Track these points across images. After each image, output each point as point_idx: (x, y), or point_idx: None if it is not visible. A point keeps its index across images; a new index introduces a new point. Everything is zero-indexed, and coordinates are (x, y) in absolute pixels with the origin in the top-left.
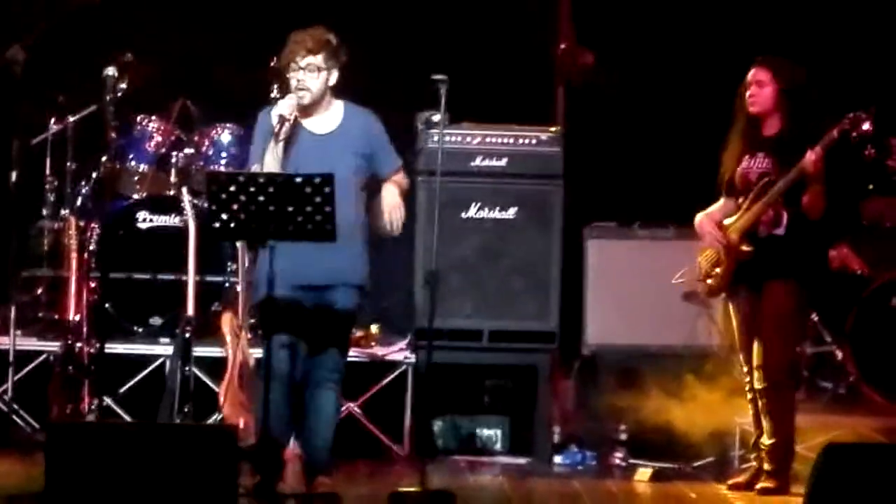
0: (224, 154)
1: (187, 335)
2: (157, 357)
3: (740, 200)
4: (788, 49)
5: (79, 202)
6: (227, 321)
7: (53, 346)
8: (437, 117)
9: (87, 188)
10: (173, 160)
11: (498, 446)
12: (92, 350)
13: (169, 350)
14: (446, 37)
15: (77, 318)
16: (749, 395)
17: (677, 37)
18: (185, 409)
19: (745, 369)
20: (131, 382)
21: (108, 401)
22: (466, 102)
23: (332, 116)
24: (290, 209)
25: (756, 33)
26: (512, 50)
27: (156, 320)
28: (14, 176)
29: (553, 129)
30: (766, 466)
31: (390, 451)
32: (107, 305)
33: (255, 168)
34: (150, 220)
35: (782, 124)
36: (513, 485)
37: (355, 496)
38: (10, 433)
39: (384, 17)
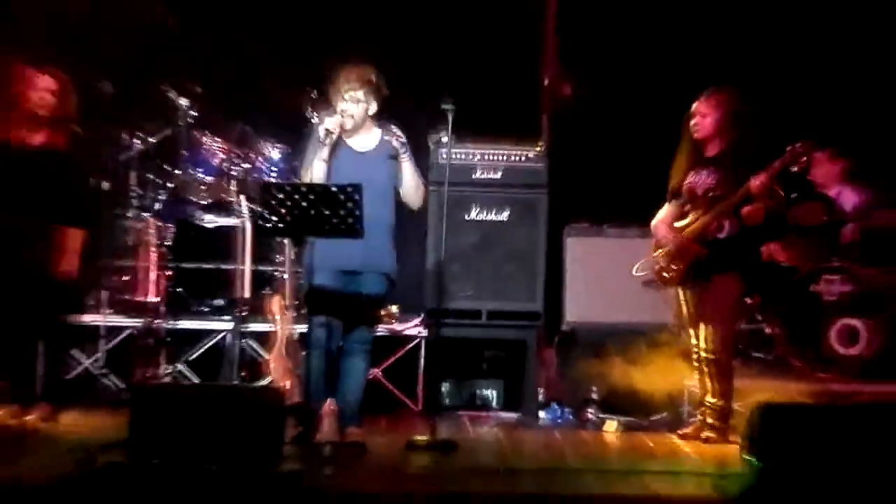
0: (273, 168)
1: (243, 314)
2: (218, 331)
3: (686, 208)
4: (729, 76)
5: (157, 206)
6: (275, 302)
7: (136, 322)
8: (445, 138)
9: (163, 195)
10: (232, 172)
11: (494, 404)
12: (167, 325)
13: (228, 326)
14: (453, 71)
15: (155, 299)
16: (696, 363)
17: (637, 71)
18: (241, 374)
19: (694, 342)
20: (198, 352)
21: (179, 366)
22: (469, 124)
23: (370, 138)
24: (327, 212)
25: (698, 66)
26: (507, 83)
27: (218, 301)
28: (105, 186)
29: (539, 147)
30: (709, 420)
31: (406, 408)
32: (179, 289)
33: (305, 171)
34: (214, 221)
35: (722, 147)
36: (506, 435)
37: (378, 444)
38: (101, 393)
39: (401, 53)
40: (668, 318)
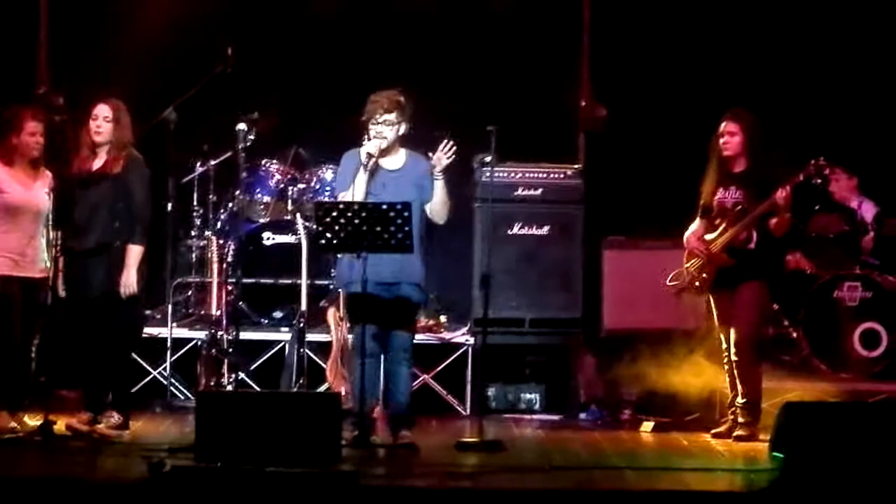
0: (327, 188)
1: (301, 325)
2: (278, 342)
3: (717, 222)
4: (751, 97)
5: (219, 225)
6: (331, 314)
7: (200, 334)
8: (489, 158)
9: (224, 214)
10: (289, 193)
11: (537, 406)
12: (230, 336)
13: (287, 336)
14: (497, 96)
15: (218, 312)
16: (726, 366)
17: (666, 94)
18: (300, 381)
19: (724, 346)
20: (259, 361)
21: (242, 375)
22: (510, 145)
23: (398, 158)
24: (378, 229)
25: (723, 88)
26: (545, 106)
27: (277, 314)
28: (169, 206)
29: (576, 166)
30: (740, 419)
31: (455, 411)
32: (241, 303)
33: (343, 194)
34: (273, 238)
35: (748, 164)
36: (548, 435)
37: (429, 445)
38: (168, 400)
39: (447, 80)
40: (699, 324)
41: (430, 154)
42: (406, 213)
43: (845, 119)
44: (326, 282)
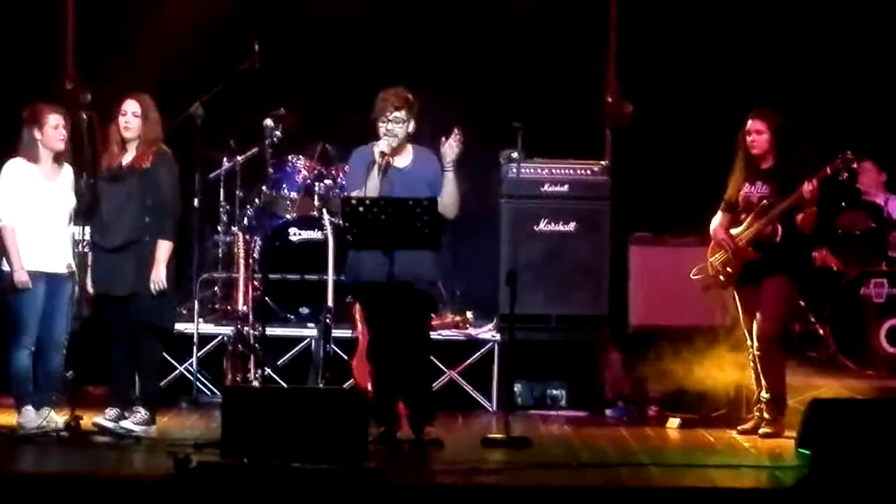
0: None
1: (328, 321)
2: (305, 338)
3: (742, 217)
4: (779, 94)
5: (245, 221)
6: (357, 310)
7: (227, 329)
8: (515, 154)
9: (251, 210)
10: (316, 189)
11: (563, 402)
12: (256, 332)
13: (314, 332)
14: (522, 92)
15: (245, 308)
16: (751, 362)
17: (691, 91)
18: (327, 377)
19: (749, 342)
20: (286, 357)
21: (268, 371)
22: (537, 142)
23: (406, 155)
24: (405, 225)
25: (748, 89)
26: (572, 102)
27: (304, 310)
28: (196, 202)
29: (603, 162)
30: (766, 416)
31: (482, 407)
32: (267, 299)
33: (357, 192)
34: (299, 234)
35: (776, 161)
36: (575, 432)
37: (455, 441)
38: (195, 396)
39: (476, 78)
40: (725, 319)
41: (444, 141)
42: (432, 209)
43: (876, 116)
44: None
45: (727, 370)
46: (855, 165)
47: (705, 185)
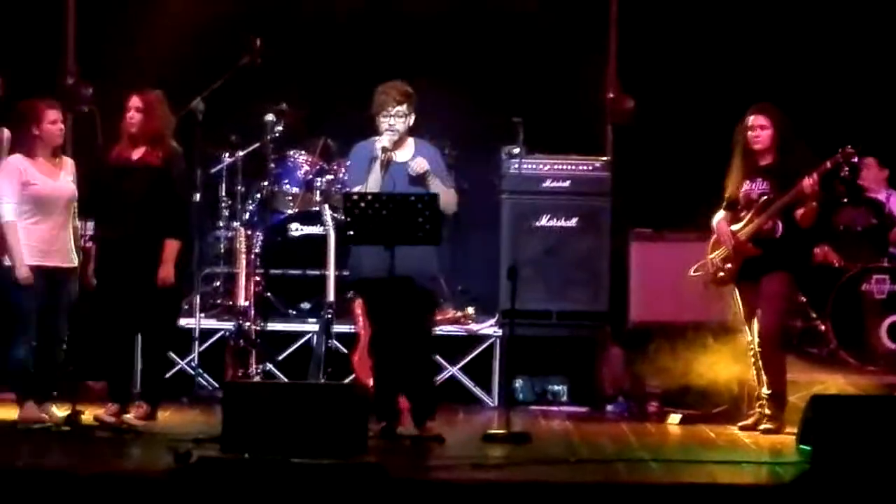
0: None
1: (329, 316)
2: (305, 333)
3: (742, 213)
4: (779, 90)
5: (246, 216)
6: (358, 305)
7: (228, 324)
8: (516, 150)
9: (252, 205)
10: (317, 184)
11: (564, 398)
12: (257, 328)
13: (315, 327)
14: (523, 88)
15: (246, 303)
16: (752, 358)
17: (695, 87)
18: (328, 372)
19: (749, 338)
20: (287, 352)
21: (269, 366)
22: (538, 137)
23: (408, 148)
24: (406, 220)
25: (748, 85)
26: (572, 98)
27: (305, 305)
28: (197, 197)
29: (603, 158)
30: (766, 412)
31: (482, 403)
32: (268, 294)
33: (359, 187)
34: (300, 230)
35: (776, 157)
36: (575, 427)
37: (456, 436)
38: (195, 391)
39: (476, 73)
40: (725, 315)
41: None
42: (434, 205)
43: (878, 112)
44: None
45: (728, 366)
46: (856, 160)
47: (706, 182)
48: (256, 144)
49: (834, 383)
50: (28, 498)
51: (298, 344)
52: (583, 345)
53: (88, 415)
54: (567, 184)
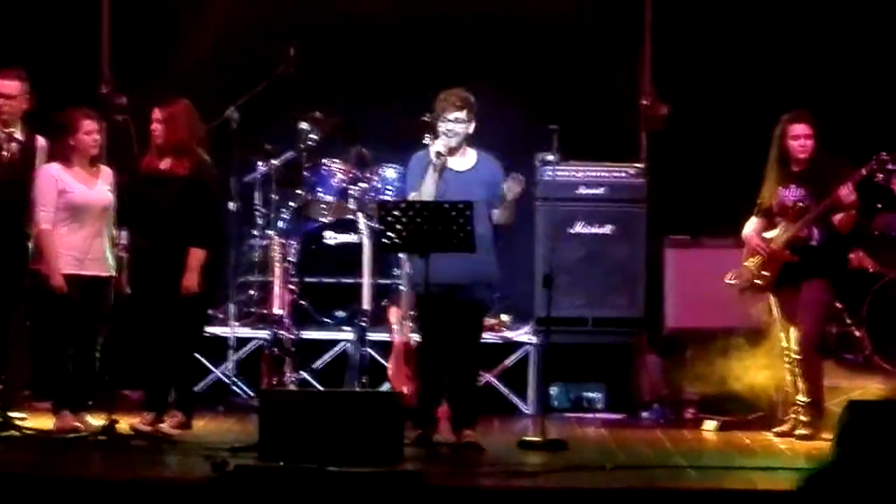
0: (389, 187)
1: (364, 324)
2: (341, 341)
3: (777, 220)
4: (813, 96)
5: (281, 224)
6: (393, 313)
7: (263, 333)
8: (551, 157)
9: (287, 214)
10: (351, 192)
11: (600, 405)
12: (292, 336)
13: (350, 335)
14: (557, 94)
15: (281, 311)
16: (788, 365)
17: (730, 93)
18: (363, 380)
19: (785, 344)
20: (322, 360)
21: (304, 374)
22: (573, 144)
23: (467, 159)
24: (440, 228)
25: (783, 91)
26: (608, 104)
27: (340, 313)
28: (232, 205)
29: (639, 164)
30: (802, 418)
31: (518, 410)
32: (303, 302)
33: (413, 194)
34: (335, 238)
35: (808, 163)
36: (611, 434)
37: (492, 444)
38: (231, 400)
39: (512, 82)
40: (761, 322)
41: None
42: (468, 213)
43: None
44: (388, 281)
45: (764, 373)
46: (890, 166)
47: (742, 187)
48: (291, 153)
49: (870, 388)
50: None
51: (333, 352)
52: (619, 352)
53: (124, 424)
54: (602, 191)
